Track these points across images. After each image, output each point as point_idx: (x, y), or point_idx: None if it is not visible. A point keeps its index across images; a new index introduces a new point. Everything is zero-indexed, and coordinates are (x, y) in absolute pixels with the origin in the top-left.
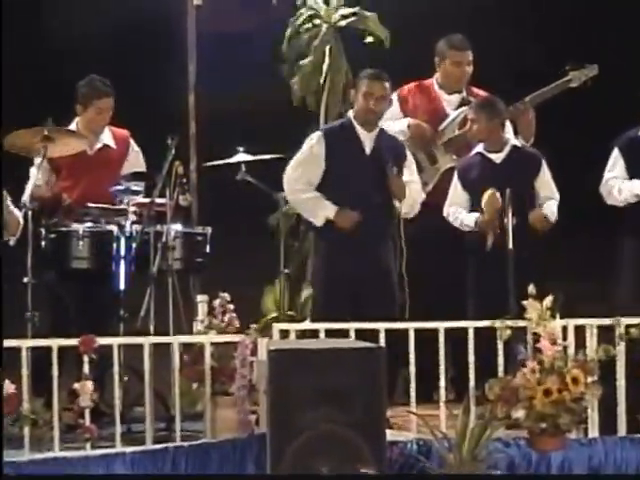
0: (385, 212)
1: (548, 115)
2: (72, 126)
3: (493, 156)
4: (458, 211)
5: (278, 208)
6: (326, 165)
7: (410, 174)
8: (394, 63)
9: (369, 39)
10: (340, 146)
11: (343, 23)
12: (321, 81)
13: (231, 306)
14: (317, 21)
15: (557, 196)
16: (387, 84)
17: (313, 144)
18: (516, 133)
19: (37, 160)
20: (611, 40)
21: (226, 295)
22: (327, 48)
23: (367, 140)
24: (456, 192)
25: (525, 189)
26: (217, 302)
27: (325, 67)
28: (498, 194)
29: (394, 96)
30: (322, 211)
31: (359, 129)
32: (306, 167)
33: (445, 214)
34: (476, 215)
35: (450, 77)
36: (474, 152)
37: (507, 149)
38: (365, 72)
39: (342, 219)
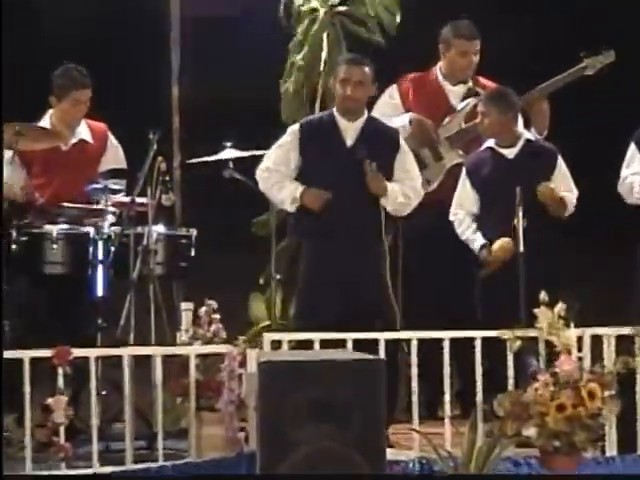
0: (371, 209)
1: (560, 106)
2: (45, 119)
3: (505, 151)
4: (465, 224)
5: (268, 208)
6: (302, 158)
7: (403, 168)
8: (397, 52)
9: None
10: (318, 138)
11: (342, 8)
12: (320, 69)
13: (217, 315)
14: (314, 4)
15: (575, 191)
16: (367, 69)
17: (287, 135)
18: (527, 126)
19: (6, 155)
20: (629, 24)
21: (212, 303)
22: (325, 35)
23: (349, 131)
24: (464, 191)
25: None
26: (203, 310)
27: (324, 55)
28: (512, 244)
29: (394, 88)
30: (288, 192)
31: (340, 120)
32: (277, 157)
33: (452, 216)
34: (482, 241)
35: (455, 67)
36: (484, 147)
37: (520, 143)
38: (342, 57)
39: (309, 198)
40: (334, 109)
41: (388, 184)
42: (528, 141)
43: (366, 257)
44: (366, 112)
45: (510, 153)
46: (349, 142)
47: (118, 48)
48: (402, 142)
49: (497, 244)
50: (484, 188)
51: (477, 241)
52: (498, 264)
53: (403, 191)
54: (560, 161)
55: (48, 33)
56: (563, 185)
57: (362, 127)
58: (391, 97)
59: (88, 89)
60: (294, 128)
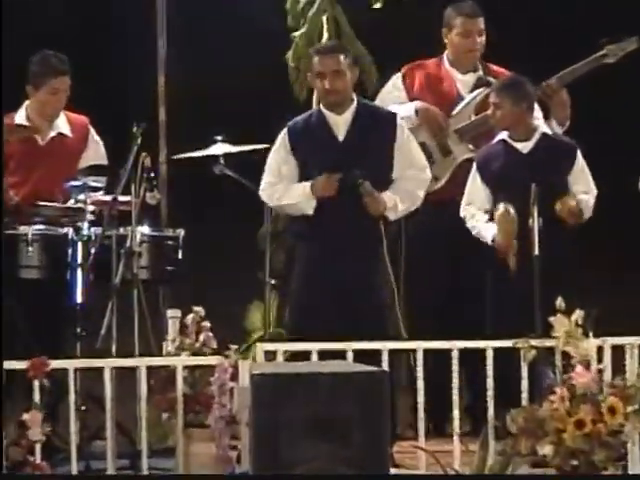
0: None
1: (579, 96)
2: (21, 111)
3: (519, 145)
4: (476, 217)
5: (262, 206)
6: (297, 161)
7: (404, 155)
8: (406, 38)
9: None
10: (308, 137)
11: None
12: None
13: (207, 323)
14: None
15: (594, 191)
16: (342, 56)
17: (277, 144)
18: (547, 117)
19: None
20: None
21: (201, 310)
22: (324, 18)
23: (339, 125)
24: (474, 187)
25: (556, 183)
26: (190, 318)
27: (324, 40)
28: (513, 211)
29: (399, 77)
30: (299, 192)
31: (328, 114)
32: (274, 169)
33: (462, 214)
34: (494, 230)
35: (459, 50)
36: (496, 140)
37: (536, 137)
38: (313, 48)
39: (321, 187)
40: (321, 104)
41: (386, 197)
42: (544, 135)
43: (363, 257)
44: (355, 100)
45: (524, 147)
46: (340, 137)
47: (99, 34)
48: (400, 125)
49: (496, 215)
50: (496, 184)
51: (489, 230)
52: (509, 239)
53: (404, 195)
54: (579, 157)
55: (26, 19)
56: (581, 184)
57: (352, 118)
58: (395, 86)
59: (67, 76)
60: (282, 134)
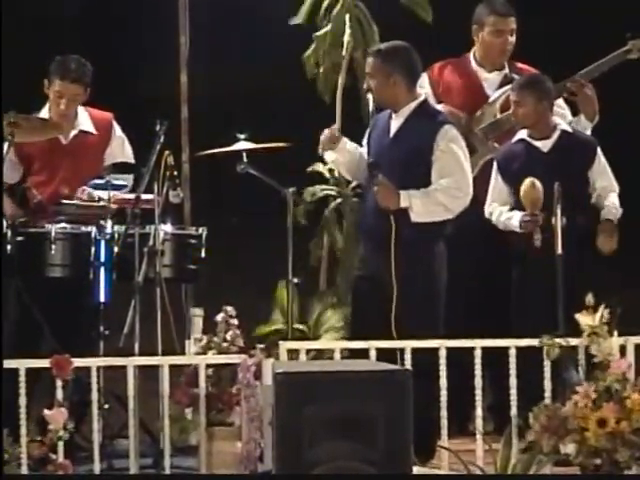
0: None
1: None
2: (44, 109)
3: (539, 144)
4: (499, 210)
5: (286, 205)
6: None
7: (440, 166)
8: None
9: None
10: (374, 130)
11: None
12: (343, 55)
13: (235, 321)
14: None
15: (617, 187)
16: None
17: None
18: (574, 114)
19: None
20: None
21: (231, 309)
22: (347, 16)
23: (394, 120)
24: (496, 186)
25: (577, 181)
26: (220, 317)
27: (346, 39)
28: (538, 183)
29: (424, 76)
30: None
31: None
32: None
33: (487, 214)
34: (520, 214)
35: (489, 49)
36: (516, 139)
37: (556, 135)
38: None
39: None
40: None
41: (402, 195)
42: (564, 132)
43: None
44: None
45: (544, 145)
46: (391, 133)
47: (121, 32)
48: (444, 134)
49: (522, 191)
50: (517, 183)
51: (515, 216)
52: (535, 209)
53: (428, 200)
54: (599, 154)
55: (51, 18)
56: (603, 180)
57: (408, 116)
58: (421, 86)
59: (76, 85)
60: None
